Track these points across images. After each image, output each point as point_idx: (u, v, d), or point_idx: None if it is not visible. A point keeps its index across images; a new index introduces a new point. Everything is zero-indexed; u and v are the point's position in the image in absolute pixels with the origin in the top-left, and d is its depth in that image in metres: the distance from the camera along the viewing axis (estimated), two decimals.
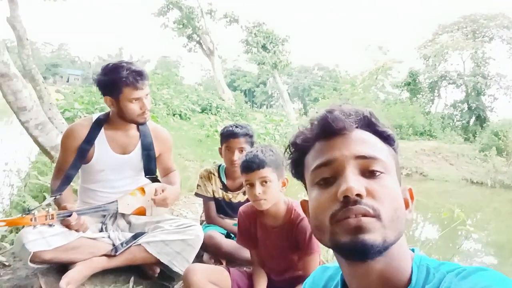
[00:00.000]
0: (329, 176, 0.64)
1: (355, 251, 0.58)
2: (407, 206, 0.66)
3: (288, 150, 0.75)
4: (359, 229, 0.57)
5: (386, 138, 0.69)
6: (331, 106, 0.69)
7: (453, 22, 24.75)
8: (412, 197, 0.69)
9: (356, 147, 0.64)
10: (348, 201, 0.58)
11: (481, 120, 22.25)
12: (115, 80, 1.87)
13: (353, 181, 0.59)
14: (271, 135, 11.53)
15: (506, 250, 7.67)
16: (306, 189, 0.72)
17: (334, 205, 0.60)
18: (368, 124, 0.68)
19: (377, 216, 0.58)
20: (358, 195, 0.58)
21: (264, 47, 24.39)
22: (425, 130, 19.99)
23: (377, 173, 0.62)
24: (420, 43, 26.24)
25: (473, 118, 23.14)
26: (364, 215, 0.57)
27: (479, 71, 23.37)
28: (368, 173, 0.62)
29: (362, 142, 0.65)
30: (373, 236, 0.57)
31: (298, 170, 0.74)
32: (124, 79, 1.86)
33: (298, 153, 0.72)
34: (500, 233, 8.99)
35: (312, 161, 0.68)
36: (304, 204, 0.75)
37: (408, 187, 0.70)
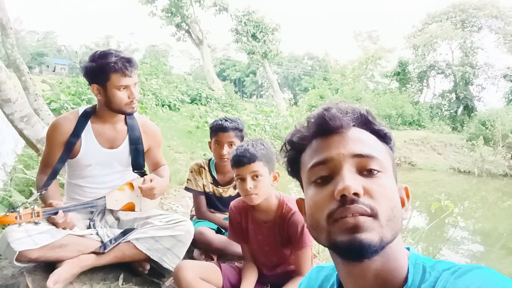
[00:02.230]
0: (326, 175, 0.63)
1: (352, 251, 0.57)
2: (403, 204, 0.66)
3: (284, 148, 0.74)
4: (356, 228, 0.56)
5: (383, 137, 0.69)
6: (328, 104, 0.69)
7: (442, 11, 24.83)
8: (408, 196, 0.69)
9: (353, 146, 0.63)
10: (345, 200, 0.58)
11: (469, 109, 22.52)
12: (103, 66, 1.82)
13: (350, 180, 0.59)
14: (261, 125, 11.49)
15: (492, 238, 7.83)
16: (302, 188, 0.72)
17: (331, 204, 0.60)
18: (365, 122, 0.68)
19: (374, 215, 0.58)
20: (355, 194, 0.58)
21: (254, 36, 24.23)
22: (413, 120, 20.19)
23: (374, 172, 0.62)
24: (410, 32, 26.33)
25: (461, 108, 23.42)
26: (362, 214, 0.57)
27: (468, 61, 23.58)
28: (365, 172, 0.62)
29: (359, 140, 0.65)
30: (370, 235, 0.57)
31: (294, 168, 0.73)
32: (112, 64, 1.81)
33: (295, 151, 0.72)
34: (487, 221, 9.18)
35: (308, 159, 0.68)
36: (300, 202, 0.74)
37: (404, 185, 0.69)
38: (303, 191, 0.71)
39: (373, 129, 0.68)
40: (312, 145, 0.68)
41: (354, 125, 0.66)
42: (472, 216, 9.47)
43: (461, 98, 23.26)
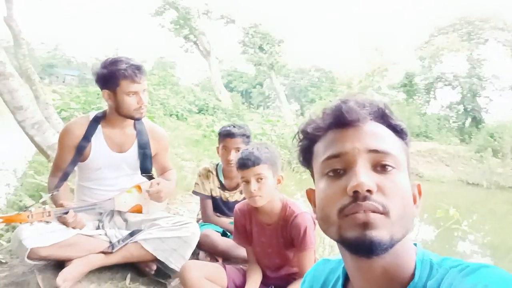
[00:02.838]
0: (340, 168, 0.62)
1: (362, 247, 0.57)
2: (414, 202, 0.65)
3: (297, 137, 0.73)
4: (367, 225, 0.56)
5: (399, 132, 0.67)
6: (345, 96, 0.67)
7: (448, 24, 24.86)
8: (420, 193, 0.69)
9: (369, 141, 0.62)
10: (357, 196, 0.57)
11: (477, 121, 22.34)
12: (113, 72, 1.90)
13: (364, 176, 0.58)
14: (267, 135, 11.52)
15: (502, 251, 7.70)
16: (313, 178, 0.71)
17: (343, 199, 0.59)
18: (382, 116, 0.67)
19: (386, 213, 0.57)
20: (368, 190, 0.57)
21: (260, 48, 24.39)
22: (421, 131, 20.07)
23: (389, 168, 0.61)
24: (416, 44, 26.36)
25: (469, 120, 23.24)
26: (373, 211, 0.56)
27: (475, 73, 23.48)
28: (380, 168, 0.61)
29: (375, 135, 0.63)
30: (381, 233, 0.56)
31: (306, 157, 0.72)
32: (122, 71, 1.88)
33: (308, 141, 0.70)
34: (496, 234, 9.03)
35: (322, 150, 0.66)
36: (310, 193, 0.73)
37: (417, 183, 0.69)
38: (314, 182, 0.70)
39: (390, 124, 0.67)
40: (327, 136, 0.67)
41: (371, 119, 0.65)
42: (481, 229, 9.33)
43: (468, 110, 23.11)
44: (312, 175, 0.71)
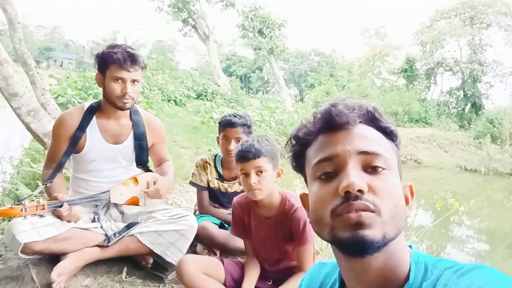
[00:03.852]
0: (331, 171, 0.63)
1: (355, 246, 0.57)
2: (407, 202, 0.66)
3: (289, 142, 0.74)
4: (359, 225, 0.57)
5: (389, 134, 0.68)
6: (335, 100, 0.68)
7: (450, 8, 24.58)
8: (412, 194, 0.69)
9: (359, 143, 0.63)
10: (349, 197, 0.58)
11: (477, 107, 22.33)
12: (106, 54, 1.88)
13: (354, 177, 0.59)
14: (266, 122, 11.48)
15: (498, 237, 7.77)
16: (306, 183, 0.71)
17: (335, 200, 0.60)
18: (372, 119, 0.67)
19: (377, 212, 0.58)
20: (359, 190, 0.58)
21: (260, 32, 24.14)
22: (420, 117, 20.05)
23: (379, 169, 0.62)
24: (418, 29, 26.12)
25: (469, 105, 23.22)
26: (365, 210, 0.57)
27: (476, 58, 23.35)
28: (370, 169, 0.62)
29: (365, 137, 0.64)
30: (373, 232, 0.57)
31: (299, 163, 0.73)
32: (113, 54, 1.86)
33: (300, 146, 0.72)
34: (492, 220, 9.11)
35: (314, 155, 0.68)
36: (303, 197, 0.74)
37: (409, 183, 0.69)
38: (307, 186, 0.71)
39: (379, 126, 0.68)
40: (318, 140, 0.68)
41: (360, 122, 0.66)
42: (477, 215, 9.41)
43: (469, 95, 23.05)
44: (306, 180, 0.72)
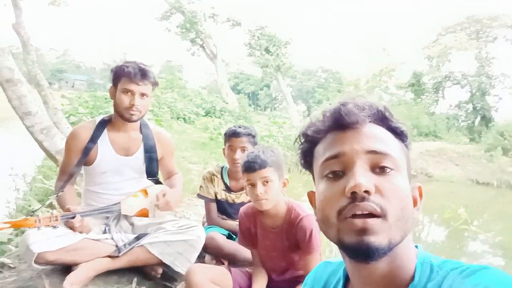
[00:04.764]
0: (338, 170, 0.63)
1: (360, 252, 0.58)
2: (415, 204, 0.65)
3: (298, 140, 0.74)
4: (365, 231, 0.56)
5: (399, 134, 0.68)
6: (345, 99, 0.68)
7: (456, 22, 24.64)
8: (421, 195, 0.69)
9: (367, 142, 0.63)
10: (355, 197, 0.58)
11: (486, 120, 22.09)
12: (119, 68, 1.98)
13: (362, 177, 0.58)
14: (274, 137, 11.52)
15: None
16: (314, 180, 0.72)
17: (342, 200, 0.60)
18: (382, 119, 0.67)
19: (383, 215, 0.57)
20: (366, 191, 0.57)
21: (267, 50, 24.40)
22: (429, 131, 19.89)
23: (387, 170, 0.61)
24: (424, 43, 26.17)
25: (478, 118, 22.98)
26: (371, 212, 0.57)
27: (483, 71, 23.24)
28: (378, 169, 0.61)
29: (374, 137, 0.64)
30: (379, 238, 0.56)
31: (307, 160, 0.73)
32: (125, 68, 1.95)
33: (308, 143, 0.72)
34: (507, 233, 8.91)
35: (322, 153, 0.67)
36: (311, 195, 0.74)
37: (418, 184, 0.69)
38: (315, 184, 0.71)
39: (389, 126, 0.67)
40: (327, 138, 0.67)
41: (370, 121, 0.65)
42: (491, 229, 9.22)
43: (478, 108, 22.86)
44: (314, 178, 0.72)
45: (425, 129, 19.81)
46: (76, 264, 1.83)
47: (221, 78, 23.83)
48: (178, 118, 13.96)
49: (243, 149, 2.25)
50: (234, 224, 2.36)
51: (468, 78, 23.31)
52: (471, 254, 6.57)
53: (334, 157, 0.64)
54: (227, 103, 20.05)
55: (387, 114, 0.67)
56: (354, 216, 0.58)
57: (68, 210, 1.85)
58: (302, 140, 0.73)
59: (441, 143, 17.31)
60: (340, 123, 0.65)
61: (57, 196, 1.98)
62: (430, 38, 26.08)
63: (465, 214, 3.07)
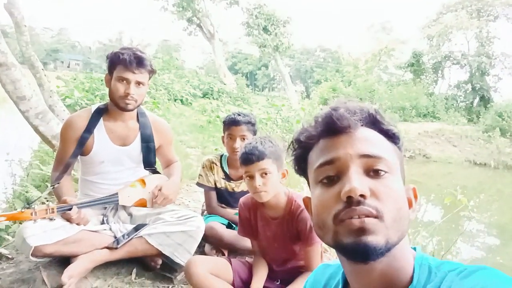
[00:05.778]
0: (333, 175, 0.63)
1: (358, 253, 0.58)
2: (410, 205, 0.66)
3: (291, 146, 0.74)
4: (362, 231, 0.57)
5: (391, 137, 0.68)
6: (336, 103, 0.69)
7: (457, 1, 24.28)
8: (416, 196, 0.68)
9: (360, 146, 0.63)
10: (351, 202, 0.58)
11: (485, 100, 22.03)
12: (114, 55, 1.92)
13: (357, 182, 0.59)
14: (273, 119, 11.46)
15: (509, 231, 7.70)
16: (309, 185, 0.72)
17: (337, 205, 0.60)
18: (373, 122, 0.67)
19: (380, 217, 0.57)
20: (361, 195, 0.58)
21: (265, 29, 24.09)
22: (428, 112, 19.84)
23: (381, 173, 0.62)
24: (424, 22, 25.85)
25: (477, 99, 22.91)
26: (367, 215, 0.57)
27: (484, 51, 23.04)
28: (372, 173, 0.62)
29: (366, 140, 0.64)
30: (376, 238, 0.57)
31: (301, 166, 0.74)
32: (120, 55, 1.89)
33: (302, 149, 0.72)
34: (503, 214, 9.02)
35: (315, 158, 0.67)
36: (306, 201, 0.74)
37: (412, 186, 0.69)
38: (310, 190, 0.71)
39: (381, 129, 0.68)
40: (319, 144, 0.68)
41: (362, 125, 0.66)
42: (488, 209, 9.32)
43: (477, 89, 22.75)
44: (308, 184, 0.72)
45: (424, 109, 19.76)
46: (74, 256, 1.81)
47: (219, 59, 23.61)
48: (175, 100, 13.87)
49: (243, 138, 2.22)
50: (233, 213, 2.35)
51: (468, 58, 23.13)
52: (467, 234, 6.64)
53: (328, 162, 0.64)
54: (225, 84, 19.90)
55: (378, 117, 0.68)
56: (351, 218, 0.58)
57: (64, 201, 1.81)
58: (295, 147, 0.73)
59: (439, 124, 17.31)
60: (332, 128, 0.66)
61: (53, 187, 1.94)
62: (430, 17, 25.74)
63: (465, 200, 3.06)
